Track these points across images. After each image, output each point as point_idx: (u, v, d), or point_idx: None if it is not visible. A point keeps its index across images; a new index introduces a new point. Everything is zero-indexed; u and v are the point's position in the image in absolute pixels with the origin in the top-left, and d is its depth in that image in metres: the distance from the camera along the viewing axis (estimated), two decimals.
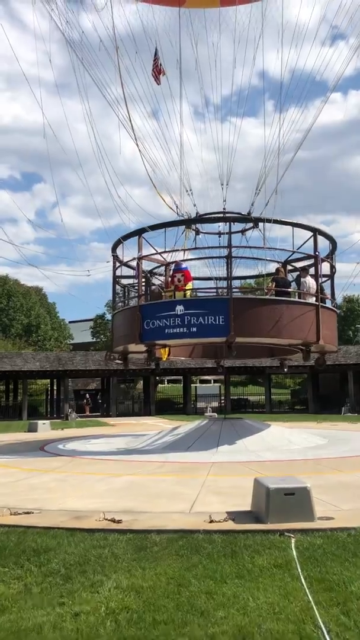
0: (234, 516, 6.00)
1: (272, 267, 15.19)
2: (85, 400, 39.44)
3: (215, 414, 25.76)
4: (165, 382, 46.14)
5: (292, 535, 5.30)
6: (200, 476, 8.80)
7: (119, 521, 5.90)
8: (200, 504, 6.74)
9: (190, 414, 34.89)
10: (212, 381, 54.34)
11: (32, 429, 20.75)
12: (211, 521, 5.81)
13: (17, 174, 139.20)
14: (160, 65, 17.95)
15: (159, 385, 38.86)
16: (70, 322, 67.99)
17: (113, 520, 5.93)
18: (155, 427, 24.46)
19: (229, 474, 9.06)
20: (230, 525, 5.72)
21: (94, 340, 53.88)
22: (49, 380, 40.49)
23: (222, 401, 38.40)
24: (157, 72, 17.83)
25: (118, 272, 16.44)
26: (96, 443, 15.23)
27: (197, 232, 16.99)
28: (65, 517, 6.21)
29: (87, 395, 41.42)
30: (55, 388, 39.36)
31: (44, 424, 21.28)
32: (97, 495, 7.42)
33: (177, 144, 17.85)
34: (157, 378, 35.10)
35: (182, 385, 39.39)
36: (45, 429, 20.84)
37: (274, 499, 5.73)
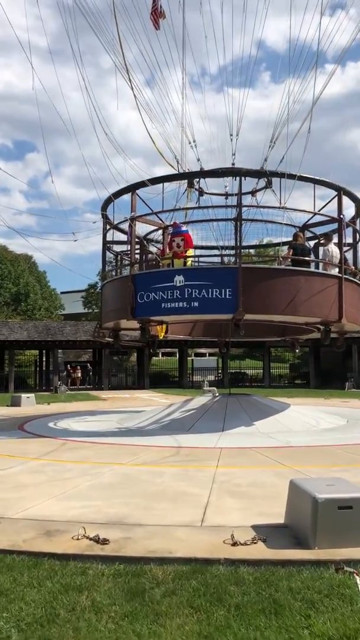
0: (264, 534, 4.33)
1: (286, 235, 13.28)
2: (65, 372, 37.54)
3: (215, 388, 24.18)
4: (160, 355, 44.53)
5: (356, 572, 3.64)
6: (209, 467, 7.15)
7: (105, 541, 4.22)
8: (214, 512, 5.07)
9: (186, 388, 33.40)
10: (207, 354, 52.90)
11: (15, 402, 19.06)
12: (234, 543, 4.15)
13: (9, 143, 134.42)
14: (161, 7, 15.59)
15: (153, 357, 37.19)
16: (61, 292, 65.86)
17: (97, 540, 4.25)
18: (150, 401, 22.89)
19: (244, 464, 7.41)
20: (261, 550, 4.05)
21: (86, 310, 51.98)
22: (38, 351, 38.68)
23: (219, 374, 36.93)
24: (157, 15, 15.49)
25: (110, 237, 14.47)
26: (84, 421, 13.56)
27: (201, 192, 14.85)
28: (31, 532, 4.52)
29: (68, 367, 39.62)
30: (44, 359, 37.61)
31: (28, 397, 19.57)
32: (79, 495, 5.74)
33: (178, 91, 15.68)
34: (152, 350, 33.34)
35: (177, 357, 37.79)
36: (29, 403, 19.16)
37: (325, 514, 4.06)
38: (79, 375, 38.75)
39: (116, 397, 26.52)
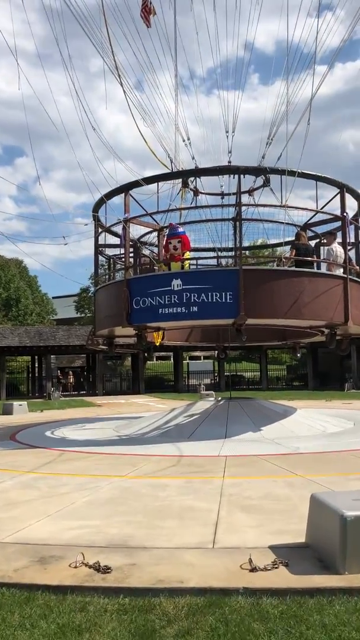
0: (285, 556, 3.86)
1: (287, 235, 12.82)
2: (56, 378, 36.68)
3: (213, 392, 23.74)
4: (155, 359, 44.00)
5: None
6: (215, 477, 6.67)
7: (107, 569, 3.74)
8: (226, 530, 4.59)
9: (183, 392, 32.91)
10: (202, 357, 52.45)
11: (7, 411, 18.45)
12: (253, 569, 3.67)
13: None
14: (150, 3, 15.17)
15: (148, 361, 36.62)
16: (53, 297, 65.17)
17: (97, 568, 3.76)
18: (147, 407, 22.38)
19: (253, 474, 6.93)
20: (285, 577, 3.58)
21: (79, 315, 51.34)
22: (30, 357, 38.02)
23: (216, 378, 36.48)
24: (147, 12, 15.07)
25: (102, 241, 13.95)
26: (80, 429, 13.03)
27: (196, 192, 14.40)
28: (23, 559, 4.02)
29: (58, 372, 38.81)
30: (37, 365, 36.97)
31: (20, 405, 18.97)
32: (76, 514, 5.23)
33: (169, 88, 15.25)
34: (148, 357, 32.75)
35: (172, 361, 37.29)
36: (22, 411, 18.57)
37: (355, 533, 3.60)
38: (71, 380, 38.05)
39: (111, 402, 25.98)
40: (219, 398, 13.43)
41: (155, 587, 3.47)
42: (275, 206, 11.99)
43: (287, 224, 12.49)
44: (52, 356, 37.80)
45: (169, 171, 13.96)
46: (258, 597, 3.32)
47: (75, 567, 3.81)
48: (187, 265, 12.07)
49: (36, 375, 36.72)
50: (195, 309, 9.99)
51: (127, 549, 4.19)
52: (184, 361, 37.22)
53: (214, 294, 9.91)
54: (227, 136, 16.01)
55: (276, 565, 3.72)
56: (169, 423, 11.55)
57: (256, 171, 12.20)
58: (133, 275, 11.58)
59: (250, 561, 3.73)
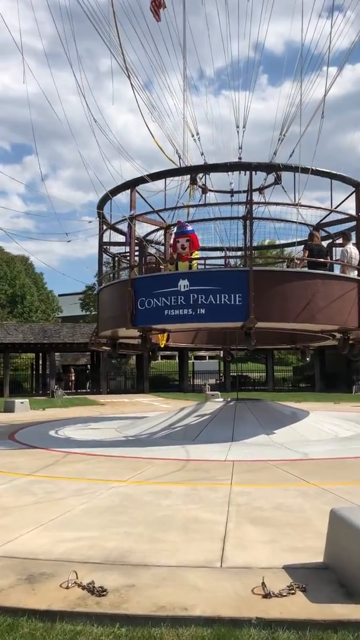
0: (302, 579, 3.45)
1: (299, 235, 12.33)
2: (57, 376, 35.79)
3: (219, 392, 23.32)
4: (159, 358, 43.64)
5: None
6: (222, 484, 6.24)
7: (102, 592, 3.33)
8: (235, 546, 4.17)
9: (188, 392, 32.49)
10: (207, 357, 52.03)
11: (9, 408, 18.09)
12: (266, 595, 3.26)
13: (7, 146, 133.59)
14: None
15: (152, 361, 36.18)
16: (59, 295, 64.96)
17: (91, 590, 3.36)
18: (151, 406, 21.98)
19: (262, 481, 6.50)
20: (303, 605, 3.16)
21: (84, 313, 51.02)
22: (34, 355, 37.71)
23: (221, 378, 36.03)
24: (157, 5, 14.66)
25: (107, 239, 13.51)
26: (81, 429, 12.63)
27: (205, 189, 13.92)
28: (10, 576, 3.62)
29: (59, 370, 38.11)
30: (40, 363, 36.64)
31: (22, 402, 18.60)
32: (71, 523, 4.83)
33: (179, 83, 14.82)
34: (152, 358, 32.31)
35: (177, 360, 36.87)
36: (23, 409, 18.20)
37: None
38: (72, 378, 37.54)
39: (115, 401, 25.59)
40: (227, 399, 13.00)
41: (156, 615, 3.06)
42: (288, 204, 11.50)
43: (300, 223, 11.97)
44: (56, 354, 37.45)
45: (177, 167, 13.55)
46: (273, 629, 2.91)
47: (67, 587, 3.40)
48: (195, 265, 11.61)
49: (40, 372, 36.39)
50: (202, 311, 9.58)
51: (125, 567, 3.78)
52: (189, 361, 36.79)
53: (223, 295, 9.50)
54: (238, 132, 15.53)
55: (292, 591, 3.30)
56: (174, 424, 11.13)
57: (268, 168, 11.71)
58: (138, 275, 11.16)
59: (264, 585, 3.31)
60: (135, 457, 8.33)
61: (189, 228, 11.29)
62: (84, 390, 34.23)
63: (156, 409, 19.74)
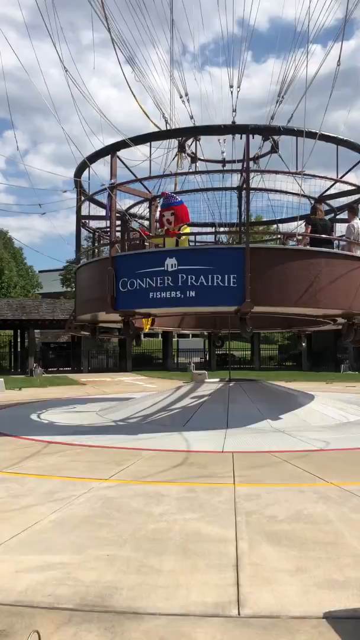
0: (356, 637, 2.44)
1: (298, 211, 11.09)
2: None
3: (206, 372, 22.39)
4: (142, 336, 42.44)
5: None
6: (223, 484, 5.27)
7: None
8: (252, 577, 3.22)
9: (172, 370, 31.63)
10: (191, 335, 51.08)
11: None
12: None
13: None
14: None
15: (136, 347, 34.99)
16: (40, 271, 63.12)
17: None
18: (134, 386, 20.99)
19: (271, 479, 5.54)
20: None
21: (65, 289, 49.43)
22: (13, 332, 36.25)
23: (206, 356, 35.17)
24: None
25: (88, 212, 12.10)
26: (58, 412, 11.56)
27: (194, 159, 12.53)
28: None
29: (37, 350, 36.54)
30: (19, 340, 35.26)
31: None
32: (37, 542, 3.81)
33: (166, 34, 13.40)
34: (136, 344, 31.05)
35: (160, 338, 35.80)
36: None
37: None
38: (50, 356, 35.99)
39: (97, 380, 24.56)
40: (218, 379, 12.01)
41: None
42: (289, 172, 10.23)
43: (303, 195, 10.73)
44: (36, 331, 36.08)
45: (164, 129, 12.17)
46: None
47: None
48: (185, 241, 10.30)
49: (19, 350, 35.05)
50: (192, 293, 8.52)
51: (108, 615, 2.80)
52: (173, 339, 35.77)
53: (215, 276, 8.45)
54: (232, 92, 14.22)
55: None
56: (162, 408, 10.15)
57: (268, 131, 10.33)
58: (120, 252, 9.93)
59: None
60: (119, 447, 7.32)
61: (177, 199, 10.03)
62: (64, 369, 33.01)
63: (140, 389, 18.75)
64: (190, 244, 11.74)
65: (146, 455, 6.72)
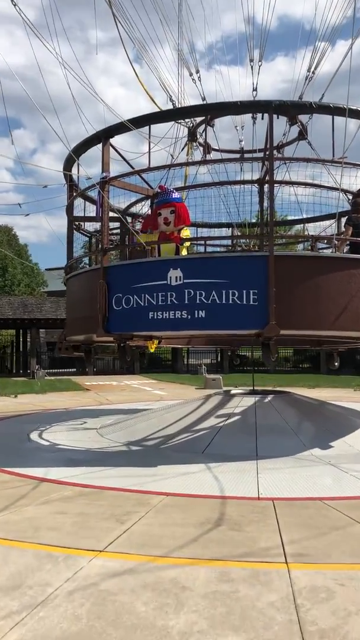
0: None
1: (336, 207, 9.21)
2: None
3: (220, 377, 20.89)
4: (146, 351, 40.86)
5: None
6: (270, 564, 3.57)
7: None
8: None
9: (182, 373, 30.01)
10: None
11: None
12: None
13: None
14: None
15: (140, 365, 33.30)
16: (46, 269, 61.80)
17: None
18: (142, 392, 19.39)
19: (336, 553, 3.75)
20: None
21: None
22: (15, 332, 34.80)
23: (218, 357, 33.46)
24: None
25: (83, 212, 10.29)
26: (51, 430, 9.85)
27: (207, 148, 10.50)
28: None
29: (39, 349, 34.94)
30: (22, 340, 33.79)
31: None
32: None
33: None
34: (141, 365, 29.52)
35: None
36: None
37: None
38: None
39: (102, 385, 22.95)
40: (237, 390, 10.32)
41: None
42: (325, 161, 8.34)
43: (343, 190, 8.86)
44: (41, 330, 34.64)
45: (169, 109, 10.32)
46: None
47: None
48: (185, 249, 8.43)
49: (21, 350, 33.60)
50: (202, 314, 6.87)
51: None
52: None
53: (231, 292, 6.80)
54: (252, 67, 12.35)
55: None
56: (174, 427, 8.40)
57: (297, 108, 8.27)
58: (114, 262, 8.28)
59: None
60: (120, 489, 5.63)
61: (175, 195, 8.34)
62: (69, 370, 31.44)
63: (148, 396, 17.12)
64: (199, 249, 10.09)
65: (157, 504, 5.03)
